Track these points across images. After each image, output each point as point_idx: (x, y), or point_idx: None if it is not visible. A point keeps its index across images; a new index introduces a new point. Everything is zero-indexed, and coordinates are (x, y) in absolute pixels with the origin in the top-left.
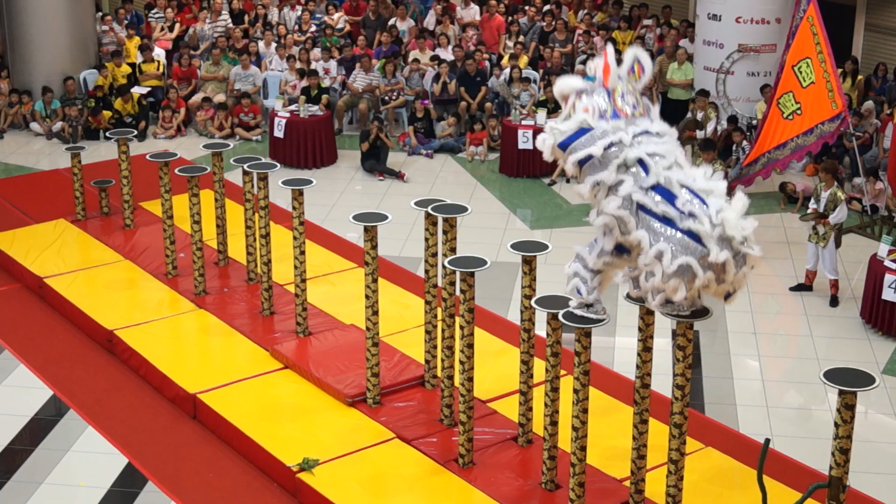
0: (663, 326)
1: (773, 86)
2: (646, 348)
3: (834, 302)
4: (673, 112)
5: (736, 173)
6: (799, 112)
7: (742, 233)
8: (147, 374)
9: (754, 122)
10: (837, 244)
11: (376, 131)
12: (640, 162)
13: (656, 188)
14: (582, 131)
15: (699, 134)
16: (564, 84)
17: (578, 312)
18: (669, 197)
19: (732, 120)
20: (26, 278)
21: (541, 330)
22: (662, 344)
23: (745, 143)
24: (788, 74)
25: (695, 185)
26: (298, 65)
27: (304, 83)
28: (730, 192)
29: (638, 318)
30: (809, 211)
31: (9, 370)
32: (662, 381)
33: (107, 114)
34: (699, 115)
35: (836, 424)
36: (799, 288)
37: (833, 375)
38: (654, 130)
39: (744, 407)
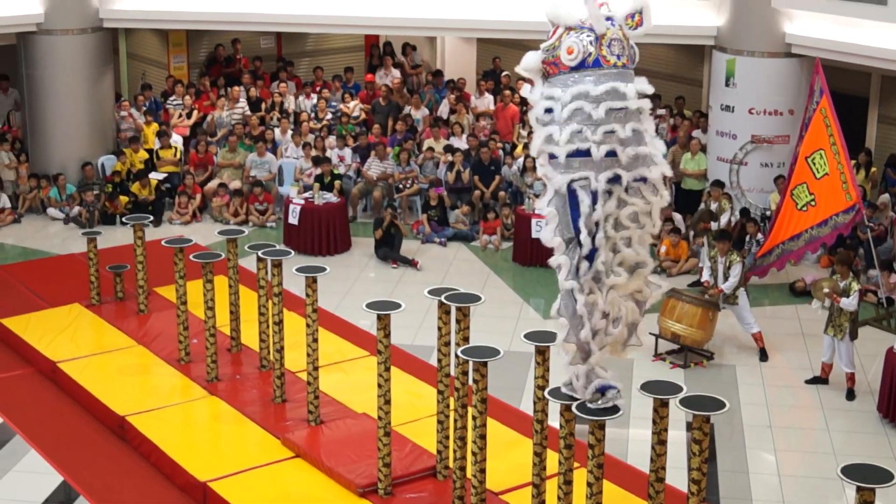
0: (678, 419)
1: (786, 177)
2: (660, 441)
3: (850, 395)
4: (685, 202)
5: (750, 264)
6: (813, 203)
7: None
8: (158, 460)
9: (768, 213)
10: (853, 336)
11: (390, 218)
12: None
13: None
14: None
15: (713, 225)
16: (556, 12)
17: (591, 406)
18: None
19: (744, 212)
20: (39, 362)
21: (554, 421)
22: (677, 436)
23: (759, 234)
24: (802, 166)
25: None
26: (314, 152)
27: (318, 171)
28: (745, 283)
29: (652, 411)
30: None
31: (20, 455)
32: (677, 475)
33: (123, 199)
34: (713, 206)
35: None
36: (814, 381)
37: (850, 471)
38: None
39: (760, 502)
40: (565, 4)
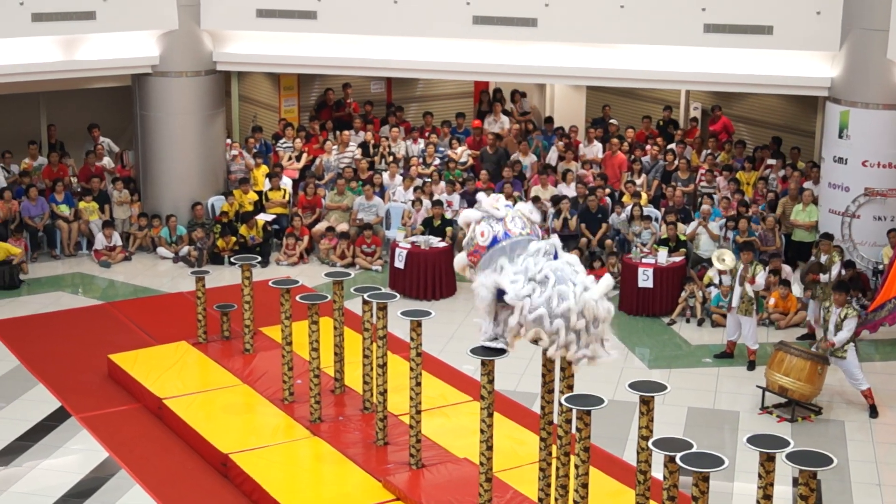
0: (784, 474)
1: None
2: (766, 496)
3: None
4: (796, 254)
5: (861, 319)
6: None
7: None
8: (259, 499)
9: (880, 266)
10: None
11: None
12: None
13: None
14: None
15: (822, 277)
16: (467, 214)
17: (487, 344)
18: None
19: (849, 264)
20: (146, 398)
21: (657, 472)
22: (783, 492)
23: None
24: None
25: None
26: (423, 197)
27: (426, 214)
28: (855, 337)
29: (758, 465)
30: None
31: (124, 489)
32: None
33: (231, 239)
34: (823, 259)
35: None
36: None
37: None
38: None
39: None
40: (471, 209)
